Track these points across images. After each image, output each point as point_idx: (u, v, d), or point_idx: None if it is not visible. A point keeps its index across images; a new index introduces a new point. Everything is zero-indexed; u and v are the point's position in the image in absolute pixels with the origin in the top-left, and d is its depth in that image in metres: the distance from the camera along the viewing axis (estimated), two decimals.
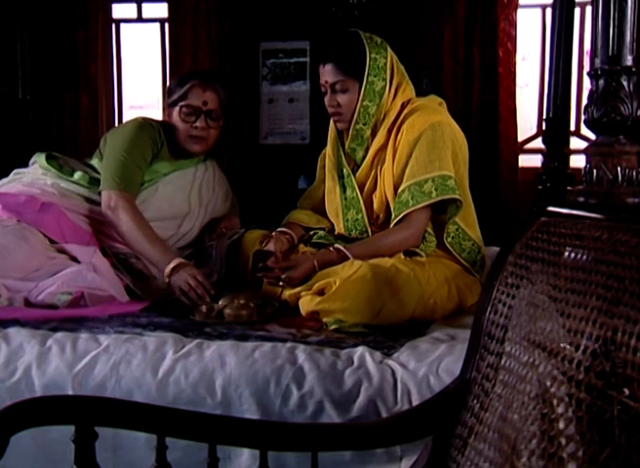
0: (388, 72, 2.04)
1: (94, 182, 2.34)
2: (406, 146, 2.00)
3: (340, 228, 2.16)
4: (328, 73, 2.06)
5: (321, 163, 2.30)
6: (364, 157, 2.10)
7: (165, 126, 2.41)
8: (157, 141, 2.36)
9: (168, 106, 2.42)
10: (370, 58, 2.02)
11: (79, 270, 2.03)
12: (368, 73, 2.01)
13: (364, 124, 2.05)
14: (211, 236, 2.49)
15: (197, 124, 2.35)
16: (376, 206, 2.08)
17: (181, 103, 2.35)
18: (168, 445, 1.05)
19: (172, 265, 2.09)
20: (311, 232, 2.21)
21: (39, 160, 2.41)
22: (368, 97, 2.02)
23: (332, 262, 1.94)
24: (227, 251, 2.34)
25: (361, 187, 2.11)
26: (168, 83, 2.38)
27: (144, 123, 2.40)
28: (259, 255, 2.03)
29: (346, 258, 1.93)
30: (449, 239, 2.04)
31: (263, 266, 2.00)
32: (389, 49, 2.07)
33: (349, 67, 2.03)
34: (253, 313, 1.89)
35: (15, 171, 2.44)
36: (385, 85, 2.03)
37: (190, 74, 2.50)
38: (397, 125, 2.05)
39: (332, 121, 2.16)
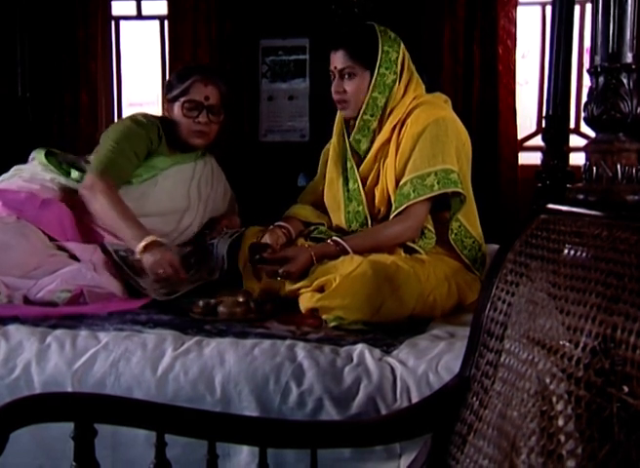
0: (399, 67, 2.04)
1: None
2: (409, 140, 2.00)
3: (340, 220, 2.15)
4: (338, 59, 2.07)
5: (323, 159, 2.30)
6: (368, 150, 2.10)
7: (164, 121, 2.42)
8: (154, 137, 2.37)
9: (168, 102, 2.42)
10: (382, 50, 2.02)
11: (78, 268, 2.03)
12: (380, 65, 2.02)
13: (371, 115, 2.06)
14: (211, 234, 2.49)
15: (200, 119, 2.36)
16: (377, 199, 2.08)
17: (183, 99, 2.36)
18: (167, 442, 1.05)
19: (144, 242, 2.09)
20: (311, 227, 2.20)
21: (38, 156, 2.41)
22: (378, 88, 2.03)
23: (329, 255, 1.94)
24: (228, 249, 2.34)
25: (363, 180, 2.11)
26: (167, 77, 2.39)
27: (141, 118, 2.41)
28: (255, 248, 2.03)
29: (344, 251, 1.93)
30: (452, 236, 2.04)
31: (261, 258, 1.99)
32: (402, 45, 2.07)
33: (361, 55, 2.04)
34: (247, 310, 1.89)
35: (15, 167, 2.45)
36: (396, 79, 2.04)
37: (191, 69, 2.51)
38: (402, 119, 2.05)
39: (339, 112, 2.17)
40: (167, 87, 2.47)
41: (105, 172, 2.24)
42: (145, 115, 2.45)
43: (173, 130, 2.41)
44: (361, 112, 2.06)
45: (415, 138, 1.99)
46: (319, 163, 2.33)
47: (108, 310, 1.91)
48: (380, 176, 2.08)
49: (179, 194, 2.41)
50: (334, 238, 1.99)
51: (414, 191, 1.96)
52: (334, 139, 2.21)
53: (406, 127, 2.03)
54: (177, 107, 2.38)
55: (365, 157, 2.10)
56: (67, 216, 2.21)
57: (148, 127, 2.37)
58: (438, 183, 1.95)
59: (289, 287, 1.95)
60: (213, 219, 2.57)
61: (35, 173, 2.35)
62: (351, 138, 2.12)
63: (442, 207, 2.04)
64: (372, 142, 2.09)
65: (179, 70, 2.54)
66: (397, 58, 2.04)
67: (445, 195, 1.99)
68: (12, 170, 2.43)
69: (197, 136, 2.40)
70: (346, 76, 2.06)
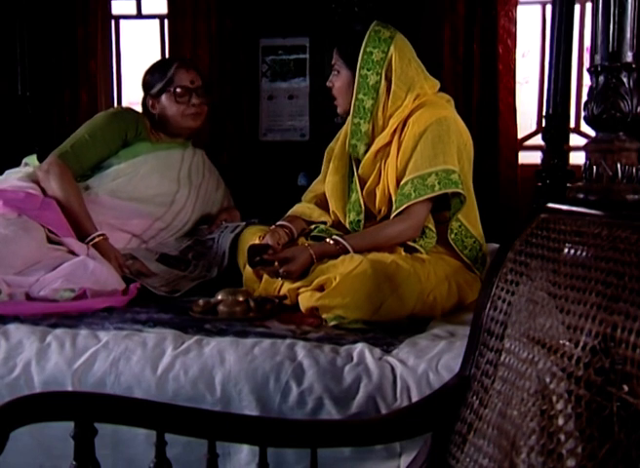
0: (385, 67, 2.01)
1: (82, 180, 2.39)
2: (411, 140, 2.00)
3: (339, 208, 2.15)
4: (333, 55, 2.11)
5: (327, 157, 2.29)
6: (366, 152, 2.09)
7: (149, 116, 2.48)
8: (131, 127, 2.44)
9: (152, 97, 2.50)
10: (365, 51, 2.01)
11: (80, 260, 2.03)
12: (361, 66, 2.01)
13: (360, 118, 2.05)
14: (210, 228, 2.49)
15: (193, 101, 2.48)
16: (378, 199, 2.08)
17: (171, 88, 2.45)
18: (167, 441, 1.05)
19: (96, 239, 2.21)
20: (312, 226, 2.20)
21: (31, 161, 2.45)
22: (362, 90, 2.02)
23: (329, 253, 1.93)
24: (230, 245, 2.35)
25: (364, 180, 2.11)
26: (143, 78, 2.52)
27: (122, 111, 2.53)
28: (254, 250, 2.02)
29: (345, 250, 1.93)
30: (452, 236, 2.04)
31: (261, 260, 1.99)
32: (395, 45, 2.02)
33: (344, 54, 2.07)
34: (247, 309, 1.89)
35: (7, 171, 2.46)
36: (380, 80, 2.02)
37: (167, 60, 2.73)
38: (403, 119, 2.04)
39: None
40: (146, 85, 2.56)
41: (64, 157, 2.33)
42: (124, 108, 2.63)
43: (161, 122, 2.48)
44: (351, 116, 2.06)
45: (416, 138, 1.99)
46: (323, 161, 2.31)
47: (109, 304, 1.93)
48: (382, 176, 2.07)
49: (168, 176, 2.48)
50: (334, 237, 1.98)
51: (414, 191, 1.95)
52: (342, 134, 2.21)
53: (407, 127, 2.02)
54: (165, 98, 2.47)
55: (362, 158, 2.10)
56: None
57: (124, 118, 2.46)
58: (439, 183, 1.95)
59: (288, 286, 1.95)
60: (210, 215, 2.59)
61: (29, 175, 2.36)
62: (347, 145, 2.12)
63: (443, 206, 2.03)
64: (369, 146, 2.08)
65: (152, 67, 2.60)
66: (383, 58, 2.01)
67: (446, 195, 1.99)
68: (4, 174, 2.45)
69: (192, 118, 2.49)
70: (335, 72, 2.10)
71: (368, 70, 2.01)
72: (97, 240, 2.21)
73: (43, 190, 2.29)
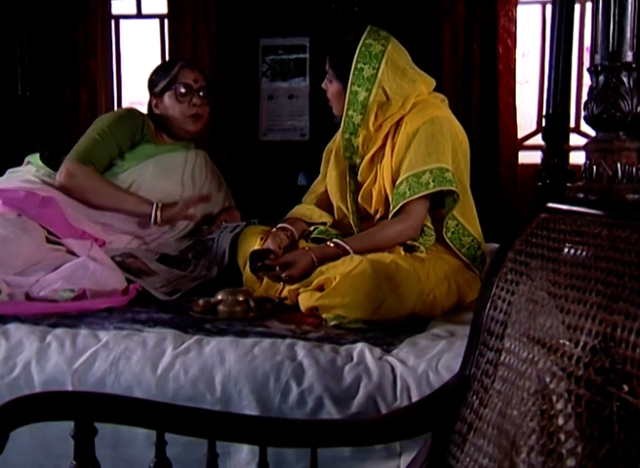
0: (376, 83, 2.00)
1: None
2: (404, 139, 2.00)
3: (343, 203, 2.15)
4: (327, 62, 2.12)
5: (326, 157, 2.29)
6: (362, 159, 2.10)
7: (153, 116, 2.49)
8: (137, 128, 2.44)
9: (156, 96, 2.51)
10: (356, 67, 2.00)
11: (80, 263, 2.03)
12: (352, 82, 2.01)
13: (351, 133, 2.05)
14: (210, 229, 2.50)
15: (194, 101, 2.46)
16: (374, 199, 2.08)
17: (174, 86, 2.45)
18: (167, 441, 1.05)
19: (160, 204, 2.33)
20: (311, 227, 2.20)
21: (33, 160, 2.45)
22: (352, 106, 2.02)
23: (330, 256, 1.93)
24: (230, 245, 2.35)
25: (362, 182, 2.11)
26: (149, 77, 2.52)
27: (128, 111, 2.53)
28: (256, 255, 2.02)
29: (346, 252, 1.93)
30: (449, 234, 2.04)
31: (263, 265, 1.99)
32: (386, 59, 2.00)
33: (335, 67, 2.08)
34: (247, 309, 1.89)
35: (9, 170, 2.46)
36: (369, 95, 2.00)
37: (171, 61, 2.72)
38: (395, 122, 2.04)
39: None
40: (151, 84, 2.56)
41: (85, 159, 2.33)
42: (130, 108, 2.59)
43: (163, 123, 2.49)
44: (341, 131, 2.07)
45: (410, 138, 1.99)
46: (322, 162, 2.31)
47: (106, 305, 1.92)
48: (378, 177, 2.08)
49: (172, 180, 2.48)
50: (334, 240, 1.98)
51: (409, 189, 1.96)
52: (339, 134, 2.21)
53: (400, 127, 2.03)
54: (168, 97, 2.46)
55: (360, 164, 2.11)
56: (67, 214, 2.23)
57: (133, 119, 2.46)
58: (433, 181, 1.95)
59: (289, 287, 1.95)
60: (211, 215, 2.59)
61: (31, 174, 2.36)
62: (342, 156, 2.13)
63: (440, 205, 2.04)
64: (363, 157, 2.09)
65: (157, 67, 2.61)
66: (374, 74, 2.00)
67: (442, 193, 1.99)
68: (7, 173, 2.45)
69: (192, 120, 2.48)
70: (327, 80, 2.12)
71: (358, 86, 2.01)
72: (158, 213, 2.32)
73: (42, 189, 2.28)
